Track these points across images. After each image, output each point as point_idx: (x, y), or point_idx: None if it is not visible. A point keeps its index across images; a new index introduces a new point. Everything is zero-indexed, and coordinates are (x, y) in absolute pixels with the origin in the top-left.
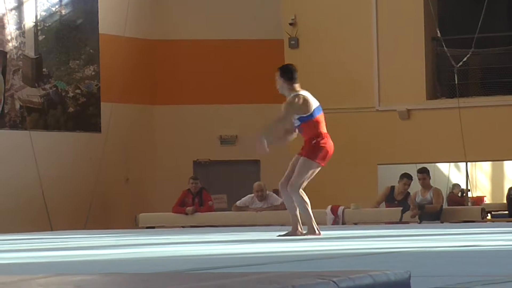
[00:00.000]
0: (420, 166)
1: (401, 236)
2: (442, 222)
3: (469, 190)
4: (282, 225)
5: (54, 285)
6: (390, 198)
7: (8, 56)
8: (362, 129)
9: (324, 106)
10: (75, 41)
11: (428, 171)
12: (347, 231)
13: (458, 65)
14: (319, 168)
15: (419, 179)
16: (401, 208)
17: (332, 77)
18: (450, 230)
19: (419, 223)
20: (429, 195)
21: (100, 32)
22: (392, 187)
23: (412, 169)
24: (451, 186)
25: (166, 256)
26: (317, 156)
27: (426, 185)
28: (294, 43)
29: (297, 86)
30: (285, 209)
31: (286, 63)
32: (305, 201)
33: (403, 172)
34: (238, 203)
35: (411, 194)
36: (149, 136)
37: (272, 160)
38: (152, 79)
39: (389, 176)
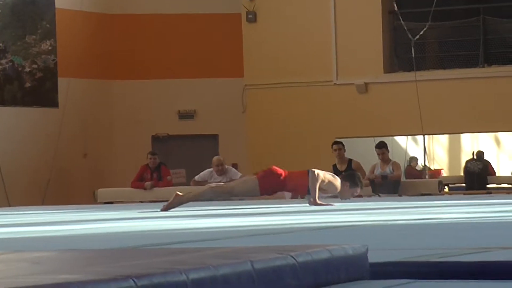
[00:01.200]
0: (378, 139)
1: (358, 209)
2: (400, 195)
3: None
4: (241, 199)
5: (11, 262)
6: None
7: None
8: (320, 103)
9: (281, 80)
10: (31, 15)
11: (387, 145)
12: (305, 205)
13: (415, 39)
14: None
15: (377, 154)
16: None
17: (290, 51)
18: (407, 203)
19: (379, 196)
20: (388, 169)
21: (56, 6)
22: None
23: (370, 143)
24: (408, 159)
25: (124, 231)
26: None
27: (385, 160)
28: (252, 17)
29: None
30: None
31: (243, 37)
32: None
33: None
34: (197, 177)
35: (370, 166)
36: (107, 111)
37: (230, 134)
38: (109, 54)
39: (347, 149)
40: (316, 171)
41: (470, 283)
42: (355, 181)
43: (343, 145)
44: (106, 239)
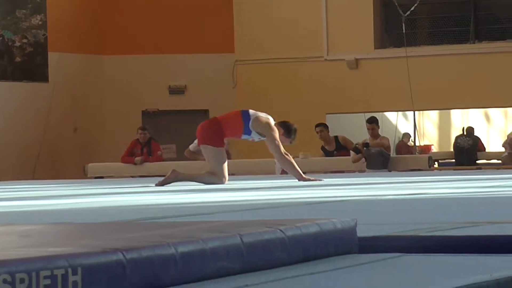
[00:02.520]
0: (368, 115)
1: (348, 184)
2: (389, 171)
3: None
4: (232, 174)
5: (1, 235)
6: (326, 152)
7: None
8: (310, 78)
9: (272, 56)
10: None
11: (377, 120)
12: (295, 181)
13: (405, 14)
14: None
15: (368, 129)
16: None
17: (281, 27)
18: (397, 179)
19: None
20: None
21: None
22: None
23: (361, 118)
24: (400, 136)
25: (114, 206)
26: None
27: (375, 135)
28: None
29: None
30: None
31: (234, 12)
32: None
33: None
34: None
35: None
36: (98, 86)
37: (221, 110)
38: (100, 28)
39: (338, 125)
40: (283, 155)
41: (459, 257)
42: (290, 132)
43: (326, 126)
44: (96, 214)
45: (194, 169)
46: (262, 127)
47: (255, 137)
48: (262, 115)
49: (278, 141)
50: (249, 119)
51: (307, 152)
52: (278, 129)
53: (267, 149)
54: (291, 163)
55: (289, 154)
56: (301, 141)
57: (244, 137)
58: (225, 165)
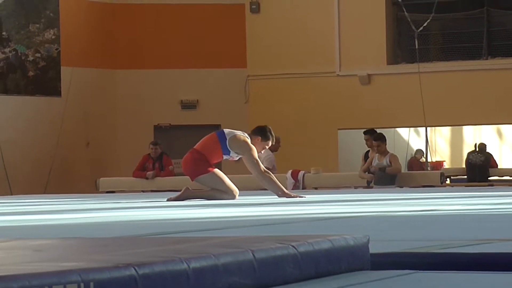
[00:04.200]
0: (380, 131)
1: (360, 200)
2: (401, 187)
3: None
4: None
5: (13, 250)
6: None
7: None
8: (323, 94)
9: (284, 71)
10: (35, 4)
11: (384, 137)
12: (307, 196)
13: (418, 30)
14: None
15: (374, 146)
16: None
17: (293, 42)
18: (409, 195)
19: (371, 187)
20: (385, 161)
21: None
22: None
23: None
24: (412, 152)
25: (126, 220)
26: None
27: (382, 151)
28: (255, 8)
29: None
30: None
31: (247, 27)
32: None
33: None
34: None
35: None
36: (110, 101)
37: (233, 125)
38: (112, 43)
39: (349, 141)
40: (262, 172)
41: (471, 275)
42: (266, 135)
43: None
44: (108, 228)
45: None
46: (238, 145)
47: (234, 156)
48: (239, 133)
49: (256, 160)
50: (225, 139)
51: (319, 168)
52: (255, 138)
53: (279, 164)
54: (270, 179)
55: (269, 171)
56: (313, 156)
57: (225, 157)
58: (227, 180)
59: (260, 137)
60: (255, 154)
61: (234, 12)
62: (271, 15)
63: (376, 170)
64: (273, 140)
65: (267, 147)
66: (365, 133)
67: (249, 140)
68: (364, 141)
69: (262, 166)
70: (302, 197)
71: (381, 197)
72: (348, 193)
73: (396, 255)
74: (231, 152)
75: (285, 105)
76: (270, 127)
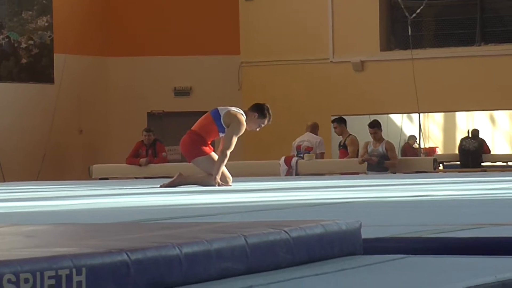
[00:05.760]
0: (373, 117)
1: (353, 186)
2: (394, 173)
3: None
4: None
5: (5, 236)
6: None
7: None
8: (316, 80)
9: (278, 58)
10: None
11: (380, 124)
12: (300, 182)
13: (412, 17)
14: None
15: (370, 133)
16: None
17: (287, 29)
18: (402, 181)
19: (366, 174)
20: (380, 148)
21: None
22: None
23: (366, 121)
24: (406, 138)
25: (119, 207)
26: None
27: (377, 138)
28: None
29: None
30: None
31: (240, 14)
32: None
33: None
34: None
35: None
36: (103, 88)
37: None
38: (105, 30)
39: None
40: (228, 151)
41: (463, 259)
42: (264, 113)
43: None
44: (101, 214)
45: (199, 171)
46: (230, 119)
47: None
48: (233, 109)
49: (234, 137)
50: (220, 117)
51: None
52: (251, 114)
53: (273, 151)
54: (223, 162)
55: (226, 156)
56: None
57: (221, 135)
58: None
59: (257, 114)
60: (239, 132)
61: None
62: (265, 2)
63: (373, 158)
64: (269, 119)
65: (262, 125)
66: (332, 121)
67: (243, 117)
68: (359, 129)
69: (232, 147)
70: (229, 186)
71: (374, 183)
72: (340, 179)
73: (388, 240)
74: (226, 128)
75: (279, 91)
76: (268, 106)
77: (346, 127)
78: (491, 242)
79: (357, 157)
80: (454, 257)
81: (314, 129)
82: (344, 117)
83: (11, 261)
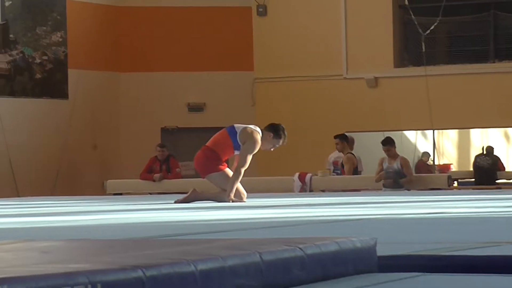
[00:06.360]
0: (387, 134)
1: (367, 203)
2: (408, 190)
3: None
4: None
5: (21, 251)
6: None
7: None
8: (329, 97)
9: (291, 74)
10: (42, 7)
11: (393, 141)
12: (314, 198)
13: (425, 33)
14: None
15: (383, 150)
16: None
17: (300, 45)
18: (416, 198)
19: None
20: (396, 164)
21: None
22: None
23: (380, 137)
24: (419, 154)
25: (133, 222)
26: None
27: (392, 155)
28: (262, 11)
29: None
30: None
31: (254, 30)
32: None
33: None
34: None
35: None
36: (117, 103)
37: None
38: (119, 46)
39: (356, 144)
40: (243, 169)
41: (479, 277)
42: (279, 133)
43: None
44: (115, 230)
45: (213, 187)
46: (245, 137)
47: None
48: (251, 126)
49: (249, 155)
50: (236, 133)
51: (326, 170)
52: (266, 134)
53: (287, 167)
54: (238, 180)
55: (240, 173)
56: (320, 159)
57: (236, 152)
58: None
59: (272, 134)
60: (253, 150)
61: (241, 15)
62: (278, 18)
63: (391, 176)
64: (284, 140)
65: (277, 146)
66: (335, 137)
67: (258, 135)
68: (373, 146)
69: (247, 165)
70: (243, 202)
71: (389, 199)
72: (355, 196)
73: (404, 258)
74: (241, 146)
75: (292, 107)
76: (284, 127)
77: (348, 145)
78: (507, 260)
79: (352, 175)
80: (469, 275)
81: (351, 144)
82: (358, 133)
83: (26, 277)
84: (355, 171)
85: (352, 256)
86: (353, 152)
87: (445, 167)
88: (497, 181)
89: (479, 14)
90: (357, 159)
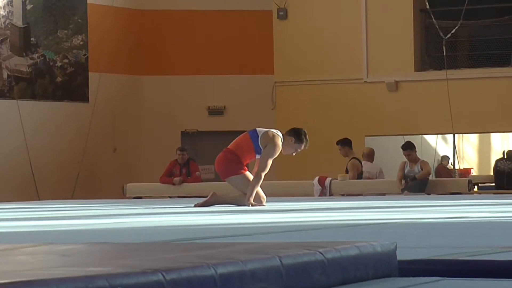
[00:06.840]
0: (407, 138)
1: (387, 207)
2: (428, 194)
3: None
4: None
5: (41, 255)
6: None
7: None
8: (350, 100)
9: (312, 78)
10: (63, 10)
11: (413, 145)
12: (334, 202)
13: (446, 37)
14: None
15: (404, 155)
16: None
17: (321, 49)
18: (436, 202)
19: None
20: (417, 168)
21: (88, 1)
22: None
23: (400, 141)
24: (439, 158)
25: (153, 226)
26: None
27: (412, 160)
28: (283, 14)
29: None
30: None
31: (274, 34)
32: None
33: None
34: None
35: (400, 164)
36: (137, 106)
37: None
38: (140, 49)
39: (376, 148)
40: (263, 173)
41: (499, 282)
42: (301, 138)
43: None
44: (135, 233)
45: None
46: (266, 141)
47: None
48: (273, 130)
49: (270, 160)
50: (258, 137)
51: (346, 174)
52: (288, 138)
53: (306, 171)
54: (258, 183)
55: (260, 177)
56: (340, 163)
57: (257, 156)
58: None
59: (294, 139)
60: (274, 155)
61: (261, 18)
62: (299, 22)
63: (408, 180)
64: (306, 145)
65: (299, 150)
66: (337, 143)
67: (279, 139)
68: (393, 150)
69: (267, 170)
70: (263, 205)
71: (409, 204)
72: (375, 200)
73: (424, 262)
74: (262, 150)
75: (312, 111)
76: (306, 132)
77: (351, 149)
78: None
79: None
80: (489, 280)
81: (370, 157)
82: (378, 137)
83: (47, 281)
84: (359, 176)
85: (372, 260)
86: (357, 157)
87: (466, 171)
88: None
89: (500, 17)
90: (362, 165)
